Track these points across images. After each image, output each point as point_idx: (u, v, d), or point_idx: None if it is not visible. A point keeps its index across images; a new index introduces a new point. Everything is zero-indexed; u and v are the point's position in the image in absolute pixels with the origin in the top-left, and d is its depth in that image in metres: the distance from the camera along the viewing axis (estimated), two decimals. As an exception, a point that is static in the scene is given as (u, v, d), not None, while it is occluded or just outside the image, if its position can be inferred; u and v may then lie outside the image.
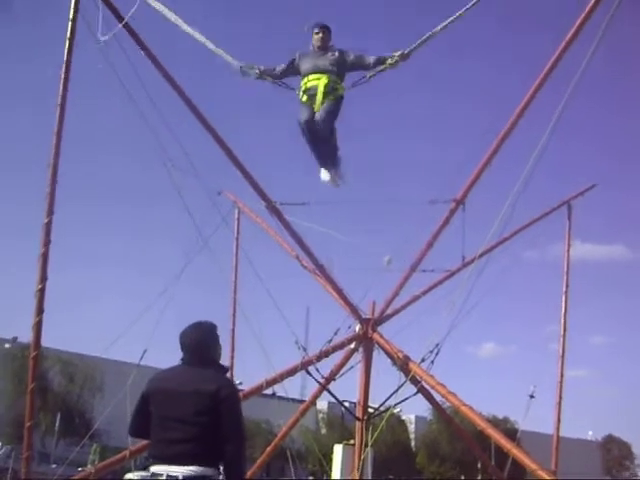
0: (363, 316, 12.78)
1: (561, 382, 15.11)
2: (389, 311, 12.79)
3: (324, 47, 8.14)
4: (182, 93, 10.62)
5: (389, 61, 8.00)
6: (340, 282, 12.94)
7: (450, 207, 11.37)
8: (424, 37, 7.95)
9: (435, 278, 13.22)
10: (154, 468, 4.51)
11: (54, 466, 28.85)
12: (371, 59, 8.13)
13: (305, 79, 8.08)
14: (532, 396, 14.92)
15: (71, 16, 9.78)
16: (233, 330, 16.09)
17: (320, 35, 8.15)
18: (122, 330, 14.28)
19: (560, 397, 15.14)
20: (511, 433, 19.61)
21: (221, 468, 4.48)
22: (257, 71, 8.51)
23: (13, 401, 46.49)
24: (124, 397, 11.39)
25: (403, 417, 65.93)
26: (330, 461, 14.59)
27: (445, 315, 10.34)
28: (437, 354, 10.75)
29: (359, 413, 12.30)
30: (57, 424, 40.04)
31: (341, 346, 12.67)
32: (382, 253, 12.33)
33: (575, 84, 8.83)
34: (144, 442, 11.44)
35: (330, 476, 14.38)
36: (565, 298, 15.52)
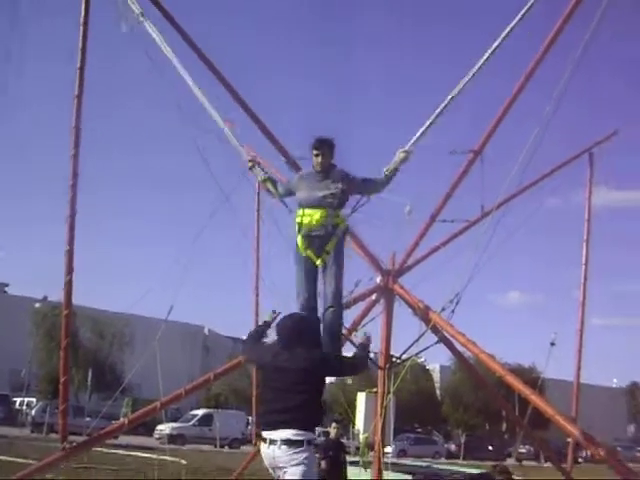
0: (384, 268, 12.90)
1: (581, 330, 15.22)
2: (409, 262, 12.87)
3: (324, 170, 7.06)
4: (196, 47, 10.64)
5: (391, 167, 7.49)
6: (360, 234, 13.02)
7: (468, 158, 11.38)
8: (423, 128, 7.70)
9: (455, 229, 13.28)
10: (264, 433, 5.64)
11: (88, 419, 29.79)
12: (377, 180, 7.47)
13: (301, 211, 6.99)
14: (553, 343, 15.07)
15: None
16: (257, 287, 16.34)
17: (319, 159, 7.03)
18: (149, 286, 14.58)
19: (580, 344, 15.26)
20: (537, 382, 19.82)
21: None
22: (262, 175, 7.80)
23: (45, 359, 47.81)
24: (153, 351, 11.76)
25: (428, 367, 66.67)
26: (355, 409, 14.98)
27: (465, 265, 10.45)
28: (457, 303, 10.86)
29: (381, 363, 12.52)
30: (89, 379, 41.17)
31: (362, 298, 12.80)
32: (402, 205, 12.36)
33: (592, 30, 8.71)
34: (174, 394, 11.84)
35: (355, 423, 14.77)
36: (586, 247, 15.50)
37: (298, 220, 6.96)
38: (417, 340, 11.30)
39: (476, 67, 8.28)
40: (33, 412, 42.49)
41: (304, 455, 5.51)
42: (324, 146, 7.02)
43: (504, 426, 54.68)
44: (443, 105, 7.68)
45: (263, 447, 5.71)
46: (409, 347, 11.80)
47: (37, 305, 52.00)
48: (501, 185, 10.92)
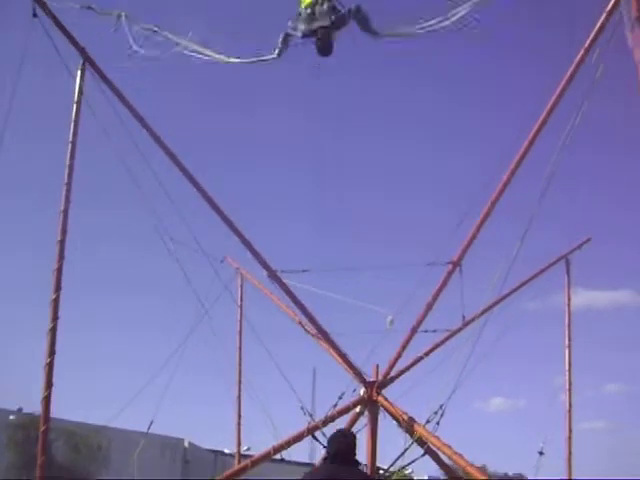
0: (367, 379, 12.83)
1: (570, 437, 15.04)
2: (393, 373, 12.83)
3: None
4: (179, 163, 10.98)
5: (393, 32, 8.39)
6: (344, 345, 13.03)
7: (447, 269, 11.57)
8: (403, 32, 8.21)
9: (437, 338, 13.32)
10: None
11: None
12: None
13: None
14: (541, 452, 14.81)
15: (76, 98, 10.25)
16: (239, 397, 16.09)
17: None
18: (128, 399, 14.30)
19: (570, 452, 15.04)
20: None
21: None
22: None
23: (19, 473, 45.76)
24: (132, 466, 11.39)
25: (415, 478, 64.49)
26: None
27: (449, 375, 10.44)
28: (442, 415, 10.79)
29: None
30: (64, 497, 39.31)
31: (346, 410, 12.68)
32: (384, 315, 12.45)
33: (562, 145, 9.14)
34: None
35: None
36: (568, 352, 15.57)
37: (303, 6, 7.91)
38: (403, 453, 11.13)
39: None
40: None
41: None
42: None
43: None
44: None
45: None
46: (395, 460, 11.59)
47: (11, 417, 50.18)
48: (483, 294, 11.10)
